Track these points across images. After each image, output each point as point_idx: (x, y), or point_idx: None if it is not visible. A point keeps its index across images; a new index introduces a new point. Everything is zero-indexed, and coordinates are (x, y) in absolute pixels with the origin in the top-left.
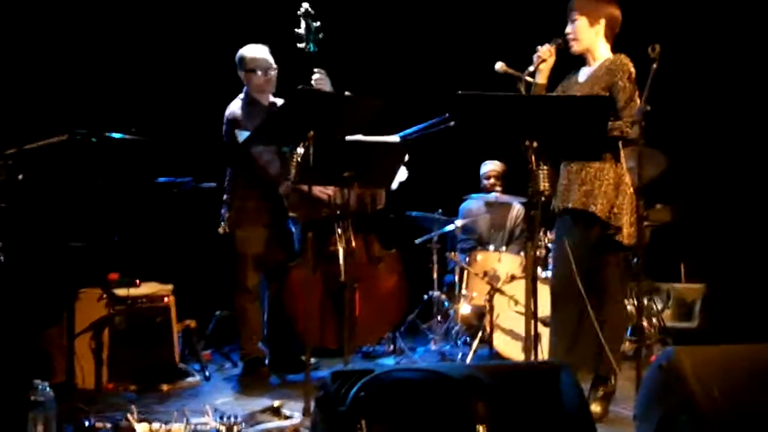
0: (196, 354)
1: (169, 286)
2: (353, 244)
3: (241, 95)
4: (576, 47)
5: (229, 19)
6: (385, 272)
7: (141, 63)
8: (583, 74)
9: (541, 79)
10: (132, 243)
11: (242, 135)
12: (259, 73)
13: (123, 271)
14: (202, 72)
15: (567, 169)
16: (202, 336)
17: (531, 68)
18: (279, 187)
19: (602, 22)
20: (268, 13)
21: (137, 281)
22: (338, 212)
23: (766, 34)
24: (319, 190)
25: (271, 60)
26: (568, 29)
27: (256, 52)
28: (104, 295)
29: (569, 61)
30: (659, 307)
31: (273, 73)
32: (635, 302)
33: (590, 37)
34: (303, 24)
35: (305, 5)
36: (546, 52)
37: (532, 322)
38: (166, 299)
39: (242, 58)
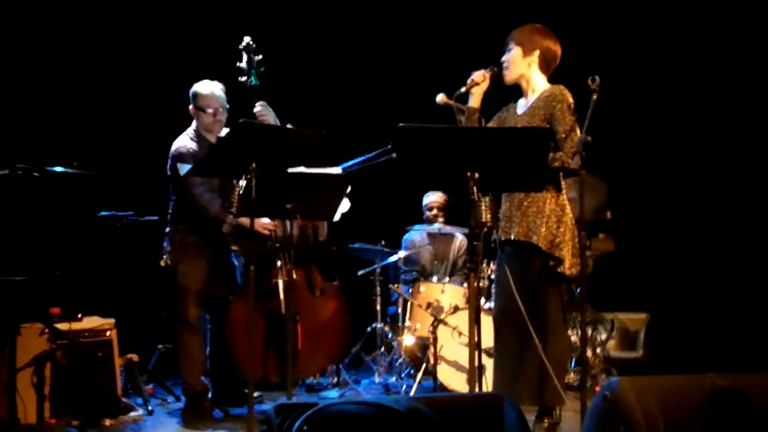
0: (139, 388)
1: (111, 320)
2: (295, 276)
3: (189, 131)
4: (508, 76)
5: (172, 53)
6: (327, 304)
7: (83, 96)
8: (521, 106)
9: (474, 102)
10: (74, 277)
11: (184, 168)
12: (210, 111)
13: (65, 305)
14: (146, 105)
15: (508, 201)
16: (144, 370)
17: (462, 89)
18: (221, 226)
19: (536, 53)
20: (210, 47)
21: (79, 315)
22: (280, 245)
23: (699, 63)
24: (261, 226)
25: (224, 100)
26: (504, 57)
27: (210, 90)
28: (46, 330)
29: (507, 92)
30: (603, 337)
31: (223, 113)
32: (579, 332)
33: (523, 67)
34: (245, 57)
35: (247, 39)
36: (480, 77)
37: (476, 353)
38: (108, 333)
39: (195, 95)
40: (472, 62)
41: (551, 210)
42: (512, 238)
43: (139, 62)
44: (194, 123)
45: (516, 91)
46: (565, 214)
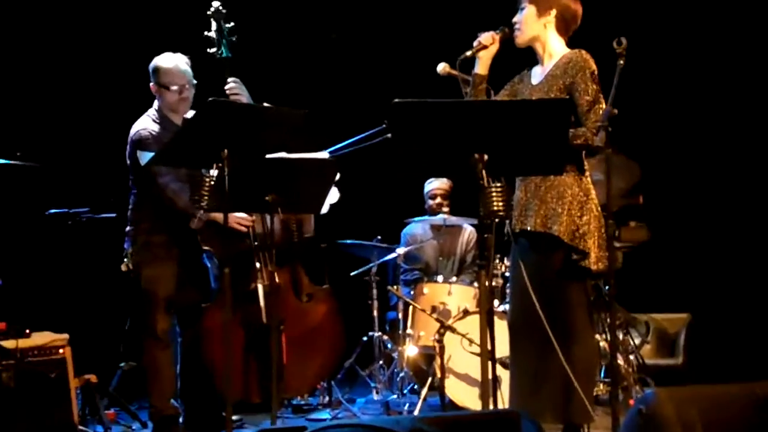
0: (99, 413)
1: (65, 336)
2: (277, 279)
3: (150, 111)
4: (520, 38)
5: (128, 21)
6: (316, 311)
7: (24, 74)
8: (536, 74)
9: (481, 69)
10: (20, 286)
11: (145, 156)
12: (174, 88)
13: (10, 319)
14: (99, 83)
15: (523, 186)
16: (104, 392)
17: (467, 53)
18: (190, 221)
19: (553, 12)
20: (173, 13)
21: (27, 331)
22: (259, 243)
23: (746, 20)
24: (235, 222)
25: (191, 75)
26: (516, 18)
27: (173, 63)
28: None
29: (519, 60)
30: (637, 341)
31: (190, 90)
32: (608, 337)
33: (538, 28)
34: (214, 25)
35: (216, 4)
36: (488, 38)
37: (489, 364)
38: (61, 351)
39: (157, 69)
40: (479, 26)
41: (573, 195)
42: (528, 228)
43: (90, 33)
44: (156, 102)
45: (530, 58)
46: (590, 200)
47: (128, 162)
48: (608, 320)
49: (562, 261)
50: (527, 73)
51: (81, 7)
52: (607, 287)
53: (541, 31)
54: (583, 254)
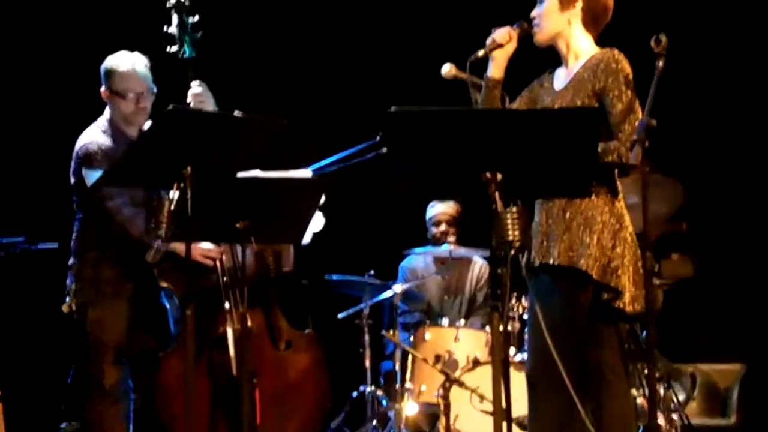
0: None
1: None
2: (250, 323)
3: (100, 121)
4: (540, 35)
5: (74, 13)
6: (297, 361)
7: None
8: (560, 77)
9: (495, 71)
10: None
11: (92, 175)
12: (131, 96)
13: None
14: (38, 88)
15: (545, 210)
16: None
17: (479, 52)
18: (146, 253)
19: (579, 5)
20: (127, 7)
21: None
22: (228, 280)
23: None
24: (200, 254)
25: (150, 81)
26: (535, 12)
27: (130, 66)
28: None
29: (540, 61)
30: (681, 397)
31: (149, 98)
32: (647, 392)
33: (561, 23)
34: (175, 20)
35: None
36: (504, 36)
37: (504, 424)
38: None
39: (110, 72)
40: (491, 22)
41: (604, 222)
42: (551, 262)
43: (27, 26)
44: (107, 111)
45: (552, 59)
46: (623, 228)
47: (72, 181)
48: (646, 372)
49: (591, 302)
50: (549, 76)
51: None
52: (645, 332)
53: (564, 27)
54: (615, 293)
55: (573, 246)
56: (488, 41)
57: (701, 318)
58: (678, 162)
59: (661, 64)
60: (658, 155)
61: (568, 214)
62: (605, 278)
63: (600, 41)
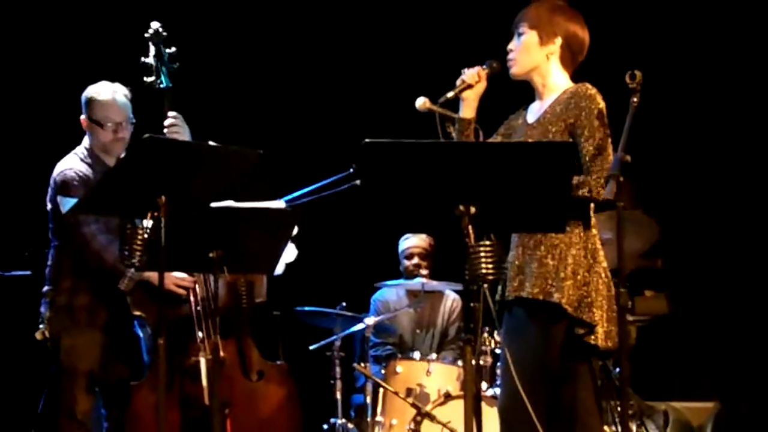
0: None
1: None
2: (222, 353)
3: (79, 149)
4: (517, 69)
5: (52, 44)
6: (268, 392)
7: None
8: (534, 112)
9: (467, 112)
10: None
11: (68, 202)
12: (109, 125)
13: None
14: (15, 113)
15: (520, 244)
16: None
17: (449, 94)
18: (119, 280)
19: (558, 41)
20: (105, 37)
21: None
22: (201, 309)
23: None
24: (173, 283)
25: (130, 111)
26: (512, 45)
27: (110, 96)
28: None
29: (514, 94)
30: None
31: (127, 129)
32: (620, 429)
33: (539, 58)
34: (152, 50)
35: (155, 25)
36: (473, 76)
37: None
38: None
39: (90, 102)
40: (463, 54)
41: (578, 257)
42: (525, 295)
43: (9, 55)
44: (86, 139)
45: (527, 93)
46: (597, 263)
47: (49, 208)
48: (619, 409)
49: (564, 336)
50: (523, 111)
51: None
52: (617, 369)
53: (542, 62)
54: (589, 327)
55: (548, 279)
56: (458, 82)
57: (674, 355)
58: (652, 197)
59: (635, 99)
60: (634, 191)
61: (542, 248)
62: (579, 312)
63: (576, 76)
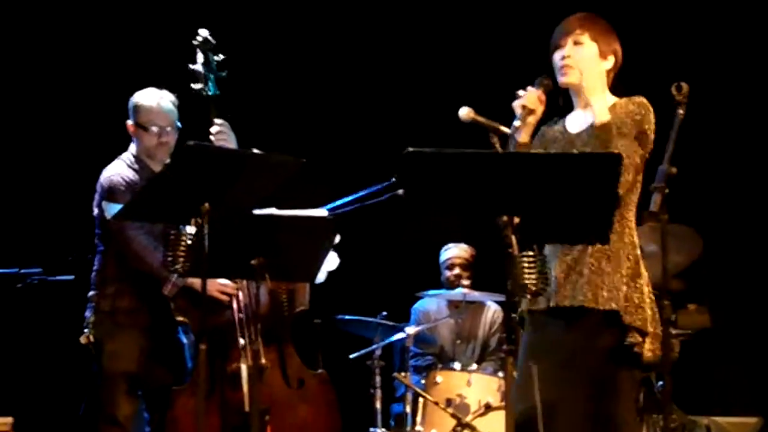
0: None
1: (9, 420)
2: (263, 360)
3: (126, 155)
4: (573, 78)
5: (104, 49)
6: (308, 400)
7: None
8: (576, 122)
9: (524, 136)
10: None
11: (112, 208)
12: (154, 130)
13: None
14: (63, 118)
15: (566, 254)
16: None
17: (516, 123)
18: (162, 285)
19: (611, 59)
20: (154, 43)
21: None
22: (243, 316)
23: None
24: (217, 290)
25: (175, 116)
26: (569, 51)
27: (155, 101)
28: None
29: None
30: None
31: (172, 134)
32: None
33: (596, 72)
34: (200, 58)
35: (203, 32)
36: (534, 101)
37: None
38: None
39: (137, 107)
40: (503, 65)
41: (629, 266)
42: (567, 304)
43: (56, 60)
44: (133, 145)
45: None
46: (642, 275)
47: (95, 213)
48: (662, 424)
49: (611, 344)
50: (560, 120)
51: (46, 30)
52: (660, 383)
53: (595, 77)
54: (642, 335)
55: (596, 287)
56: (518, 110)
57: (717, 369)
58: (696, 211)
59: (681, 111)
60: (678, 204)
61: (592, 258)
62: (633, 320)
63: (623, 88)
